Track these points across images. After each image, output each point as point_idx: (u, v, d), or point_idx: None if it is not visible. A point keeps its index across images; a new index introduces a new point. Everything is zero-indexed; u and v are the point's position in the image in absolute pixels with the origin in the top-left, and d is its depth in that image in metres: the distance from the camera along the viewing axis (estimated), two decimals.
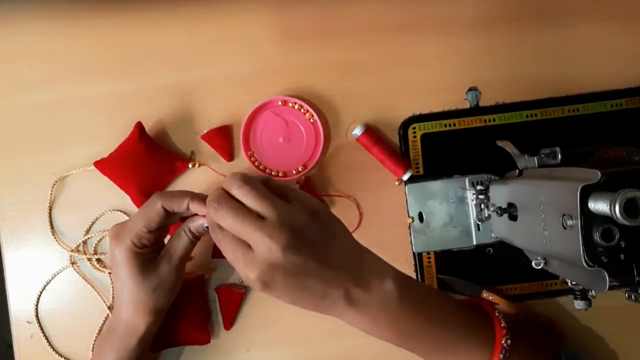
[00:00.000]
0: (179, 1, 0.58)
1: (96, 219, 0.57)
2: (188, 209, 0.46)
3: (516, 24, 0.58)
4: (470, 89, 0.57)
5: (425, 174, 0.57)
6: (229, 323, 0.57)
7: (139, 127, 0.55)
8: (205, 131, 0.57)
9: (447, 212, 0.56)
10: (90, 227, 0.58)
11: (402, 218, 0.57)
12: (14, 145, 0.58)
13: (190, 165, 0.57)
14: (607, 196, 0.34)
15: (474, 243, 0.56)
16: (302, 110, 0.57)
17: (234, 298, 0.56)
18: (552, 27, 0.58)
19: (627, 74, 0.57)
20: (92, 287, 0.57)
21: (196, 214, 0.48)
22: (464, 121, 0.57)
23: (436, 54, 0.58)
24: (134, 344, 0.49)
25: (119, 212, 0.57)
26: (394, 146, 0.57)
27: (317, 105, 0.58)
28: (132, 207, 0.57)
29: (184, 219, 0.49)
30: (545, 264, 0.47)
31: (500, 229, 0.52)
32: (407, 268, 0.57)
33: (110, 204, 0.57)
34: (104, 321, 0.56)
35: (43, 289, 0.57)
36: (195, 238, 0.48)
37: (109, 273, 0.56)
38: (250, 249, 0.38)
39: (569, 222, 0.37)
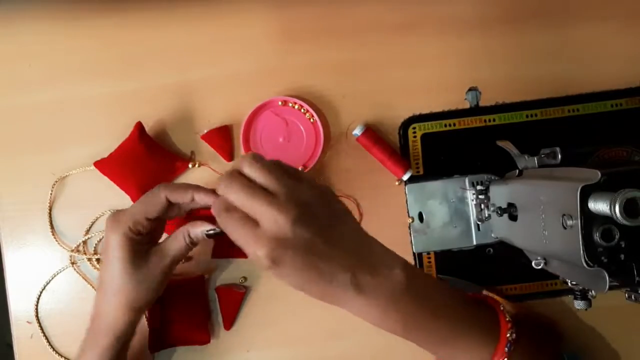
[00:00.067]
0: (179, 1, 0.58)
1: (96, 219, 0.57)
2: (192, 200, 0.46)
3: (516, 24, 0.58)
4: (470, 89, 0.57)
5: (425, 174, 0.57)
6: (229, 323, 0.57)
7: (139, 127, 0.56)
8: (205, 131, 0.57)
9: (447, 212, 0.56)
10: (90, 227, 0.58)
11: (402, 218, 0.57)
12: (14, 145, 0.58)
13: (190, 165, 0.57)
14: (607, 196, 0.34)
15: (474, 243, 0.56)
16: (302, 110, 0.57)
17: (234, 298, 0.56)
18: (552, 27, 0.58)
19: (627, 74, 0.57)
20: (92, 287, 0.57)
21: (198, 220, 0.48)
22: (464, 121, 0.57)
23: (436, 54, 0.58)
24: (110, 343, 0.48)
25: None
26: (394, 146, 0.57)
27: (317, 105, 0.58)
28: None
29: (182, 222, 0.49)
30: (545, 264, 0.47)
31: (500, 229, 0.52)
32: None
33: (110, 204, 0.57)
34: None
35: (43, 289, 0.57)
36: (192, 244, 0.48)
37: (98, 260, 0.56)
38: (258, 226, 0.39)
39: (569, 222, 0.37)
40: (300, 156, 0.57)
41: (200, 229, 0.47)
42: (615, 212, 0.33)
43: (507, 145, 0.52)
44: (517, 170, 0.50)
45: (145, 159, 0.55)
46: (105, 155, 0.56)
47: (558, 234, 0.39)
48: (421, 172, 0.57)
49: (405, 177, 0.56)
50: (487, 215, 0.54)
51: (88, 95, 0.58)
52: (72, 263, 0.57)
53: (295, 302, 0.57)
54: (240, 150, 0.57)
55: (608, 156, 0.49)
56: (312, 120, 0.57)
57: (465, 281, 0.56)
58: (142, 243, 0.48)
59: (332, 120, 0.58)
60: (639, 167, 0.36)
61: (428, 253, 0.57)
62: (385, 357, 0.57)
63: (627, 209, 0.33)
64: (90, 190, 0.58)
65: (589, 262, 0.36)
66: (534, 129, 0.57)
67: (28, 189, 0.58)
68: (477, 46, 0.58)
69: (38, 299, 0.57)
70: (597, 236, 0.35)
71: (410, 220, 0.57)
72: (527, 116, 0.57)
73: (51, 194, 0.57)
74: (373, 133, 0.56)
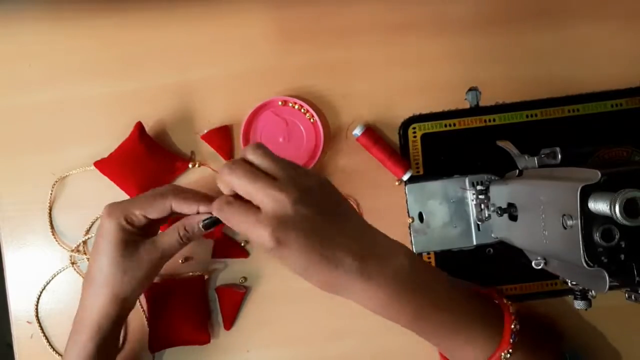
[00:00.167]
0: (179, 1, 0.58)
1: (96, 219, 0.57)
2: (198, 213, 0.47)
3: (516, 24, 0.58)
4: (470, 89, 0.57)
5: (425, 174, 0.57)
6: (229, 323, 0.57)
7: (139, 127, 0.56)
8: (205, 131, 0.57)
9: (447, 212, 0.56)
10: (90, 227, 0.58)
11: (402, 218, 0.57)
12: (14, 145, 0.58)
13: (190, 165, 0.57)
14: (607, 196, 0.34)
15: (474, 243, 0.56)
16: (302, 110, 0.57)
17: (234, 298, 0.56)
18: (552, 27, 0.58)
19: (627, 74, 0.57)
20: None
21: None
22: (464, 121, 0.57)
23: (436, 54, 0.58)
24: (91, 335, 0.47)
25: None
26: (394, 146, 0.57)
27: (317, 105, 0.58)
28: None
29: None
30: (545, 264, 0.47)
31: (500, 229, 0.52)
32: None
33: None
34: None
35: (43, 289, 0.57)
36: (187, 239, 0.48)
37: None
38: (260, 212, 0.39)
39: (569, 222, 0.37)
40: (300, 156, 0.57)
41: (196, 220, 0.47)
42: (615, 212, 0.33)
43: (507, 145, 0.52)
44: (517, 170, 0.50)
45: (145, 159, 0.55)
46: (105, 155, 0.56)
47: (558, 234, 0.39)
48: (421, 172, 0.57)
49: (405, 177, 0.56)
50: (487, 215, 0.54)
51: (88, 95, 0.58)
52: (72, 263, 0.57)
53: (295, 302, 0.57)
54: (240, 150, 0.57)
55: (608, 156, 0.49)
56: (312, 120, 0.57)
57: (466, 281, 0.56)
58: (134, 234, 0.48)
59: (332, 120, 0.58)
60: (639, 167, 0.36)
61: (428, 253, 0.57)
62: (385, 357, 0.57)
63: (627, 209, 0.33)
64: (90, 190, 0.58)
65: (589, 262, 0.36)
66: (534, 129, 0.57)
67: (28, 189, 0.58)
68: (477, 46, 0.58)
69: (38, 299, 0.57)
70: (597, 236, 0.35)
71: (410, 220, 0.57)
72: (527, 116, 0.57)
73: (51, 194, 0.57)
74: (373, 133, 0.56)
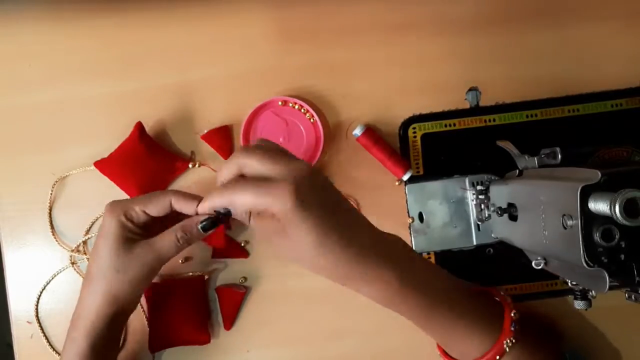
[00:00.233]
0: (179, 1, 0.58)
1: (96, 219, 0.57)
2: (196, 214, 0.47)
3: (516, 24, 0.58)
4: (470, 89, 0.57)
5: (425, 174, 0.57)
6: (229, 323, 0.57)
7: (139, 127, 0.56)
8: (205, 131, 0.57)
9: (447, 212, 0.56)
10: (90, 227, 0.58)
11: (402, 218, 0.57)
12: (14, 145, 0.58)
13: (190, 165, 0.57)
14: (607, 196, 0.34)
15: (474, 243, 0.56)
16: (302, 110, 0.57)
17: (234, 298, 0.56)
18: (552, 27, 0.58)
19: (627, 74, 0.57)
20: None
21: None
22: (464, 121, 0.57)
23: (436, 54, 0.58)
24: (85, 333, 0.47)
25: None
26: (394, 146, 0.57)
27: (317, 105, 0.58)
28: None
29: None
30: (545, 264, 0.47)
31: (501, 229, 0.52)
32: None
33: None
34: None
35: (43, 289, 0.57)
36: (186, 241, 0.48)
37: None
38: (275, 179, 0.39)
39: (569, 222, 0.37)
40: (300, 156, 0.57)
41: (194, 221, 0.47)
42: (615, 212, 0.33)
43: (507, 145, 0.52)
44: (517, 170, 0.50)
45: (145, 159, 0.55)
46: (105, 155, 0.56)
47: (558, 234, 0.39)
48: (421, 172, 0.57)
49: (405, 177, 0.56)
50: (487, 215, 0.54)
51: (88, 95, 0.58)
52: (72, 263, 0.57)
53: (295, 302, 0.57)
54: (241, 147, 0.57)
55: (608, 156, 0.49)
56: (312, 120, 0.57)
57: (467, 282, 0.56)
58: (133, 232, 0.48)
59: (332, 120, 0.58)
60: (639, 167, 0.36)
61: (428, 253, 0.57)
62: (385, 357, 0.57)
63: (627, 209, 0.33)
64: (90, 190, 0.58)
65: (589, 262, 0.36)
66: (534, 129, 0.57)
67: (28, 189, 0.58)
68: (477, 46, 0.58)
69: (38, 299, 0.57)
70: (597, 236, 0.35)
71: (411, 221, 0.57)
72: (527, 116, 0.57)
73: (51, 194, 0.57)
74: (373, 133, 0.56)
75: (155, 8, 0.58)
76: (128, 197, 0.56)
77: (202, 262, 0.58)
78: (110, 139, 0.57)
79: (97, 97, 0.58)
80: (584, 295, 0.47)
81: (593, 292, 0.47)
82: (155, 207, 0.47)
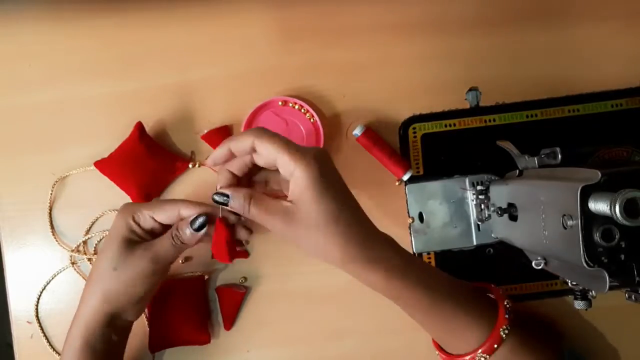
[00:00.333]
0: (179, 1, 0.58)
1: (96, 219, 0.57)
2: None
3: (516, 24, 0.58)
4: (470, 89, 0.57)
5: (426, 174, 0.57)
6: (229, 323, 0.57)
7: (139, 127, 0.56)
8: (205, 131, 0.57)
9: (447, 212, 0.56)
10: (90, 227, 0.58)
11: (402, 218, 0.57)
12: (14, 145, 0.58)
13: (190, 165, 0.57)
14: (607, 196, 0.34)
15: (474, 243, 0.56)
16: (302, 110, 0.57)
17: (234, 298, 0.56)
18: (552, 27, 0.58)
19: (627, 74, 0.57)
20: None
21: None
22: (464, 121, 0.57)
23: (436, 54, 0.58)
24: (79, 333, 0.47)
25: None
26: (394, 146, 0.57)
27: (317, 105, 0.58)
28: None
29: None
30: (545, 264, 0.47)
31: (501, 229, 0.52)
32: None
33: (110, 204, 0.57)
34: None
35: (43, 289, 0.57)
36: (177, 240, 0.47)
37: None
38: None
39: (569, 222, 0.37)
40: None
41: (186, 222, 0.47)
42: (615, 212, 0.33)
43: (507, 145, 0.52)
44: (517, 171, 0.50)
45: (146, 159, 0.55)
46: (105, 155, 0.56)
47: (558, 234, 0.39)
48: (421, 172, 0.57)
49: (406, 177, 0.56)
50: (487, 215, 0.54)
51: (88, 95, 0.58)
52: (72, 263, 0.57)
53: (295, 302, 0.57)
54: None
55: (608, 156, 0.49)
56: (312, 120, 0.57)
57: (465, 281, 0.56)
58: (139, 235, 0.48)
59: (332, 120, 0.58)
60: (639, 167, 0.36)
61: (428, 253, 0.57)
62: (385, 357, 0.57)
63: (627, 209, 0.33)
64: (90, 190, 0.58)
65: (589, 262, 0.36)
66: (534, 129, 0.57)
67: (28, 189, 0.58)
68: (477, 46, 0.58)
69: (38, 299, 0.57)
70: (597, 236, 0.35)
71: (411, 221, 0.57)
72: (527, 116, 0.57)
73: (51, 194, 0.57)
74: (373, 133, 0.56)
75: (155, 8, 0.58)
76: (128, 197, 0.56)
77: (202, 262, 0.58)
78: (110, 139, 0.57)
79: (97, 97, 0.58)
80: (584, 295, 0.47)
81: (593, 292, 0.47)
82: (164, 214, 0.47)
